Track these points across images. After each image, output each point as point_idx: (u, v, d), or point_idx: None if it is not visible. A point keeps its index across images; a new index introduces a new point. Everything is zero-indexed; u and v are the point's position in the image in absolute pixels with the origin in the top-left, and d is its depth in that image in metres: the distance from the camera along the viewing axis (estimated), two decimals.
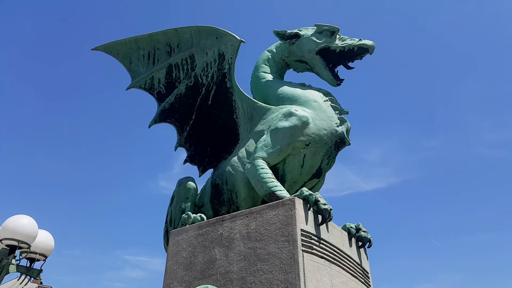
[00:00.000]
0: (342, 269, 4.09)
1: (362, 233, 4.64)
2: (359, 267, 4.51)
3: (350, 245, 4.48)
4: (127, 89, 6.19)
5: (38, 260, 11.52)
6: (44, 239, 11.63)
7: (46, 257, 11.83)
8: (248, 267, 3.70)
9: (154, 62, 6.17)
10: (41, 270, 11.80)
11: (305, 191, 3.98)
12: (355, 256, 4.49)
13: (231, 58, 5.58)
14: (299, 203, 3.80)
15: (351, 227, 4.60)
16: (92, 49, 6.44)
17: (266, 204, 4.02)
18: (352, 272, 4.30)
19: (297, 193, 4.01)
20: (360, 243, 4.66)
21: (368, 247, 4.80)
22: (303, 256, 3.49)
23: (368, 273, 4.72)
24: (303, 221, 3.73)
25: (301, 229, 3.63)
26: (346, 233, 4.49)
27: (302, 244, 3.57)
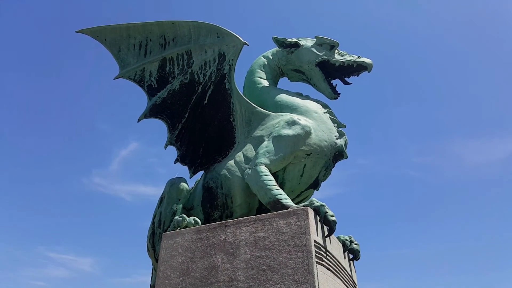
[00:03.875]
0: (341, 282, 4.13)
1: (354, 245, 4.72)
2: (351, 279, 4.58)
3: (344, 257, 4.55)
4: (115, 78, 5.81)
5: None
6: None
7: None
8: (256, 276, 3.59)
9: (146, 53, 5.85)
10: None
11: (316, 201, 3.97)
12: (347, 268, 4.56)
13: (232, 59, 5.46)
14: (311, 214, 3.78)
15: (346, 240, 4.67)
16: (76, 31, 5.98)
17: (275, 212, 3.94)
18: (347, 285, 4.36)
19: (306, 203, 3.99)
20: (351, 256, 4.74)
21: (357, 260, 4.90)
22: (316, 268, 3.46)
23: (356, 285, 4.82)
24: (315, 232, 3.71)
25: (314, 240, 3.61)
26: (341, 245, 4.55)
27: (315, 255, 3.54)
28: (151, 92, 5.75)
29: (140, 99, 5.97)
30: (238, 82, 5.60)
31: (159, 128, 5.94)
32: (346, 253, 4.62)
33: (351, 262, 4.80)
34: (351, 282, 4.51)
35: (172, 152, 5.82)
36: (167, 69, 5.75)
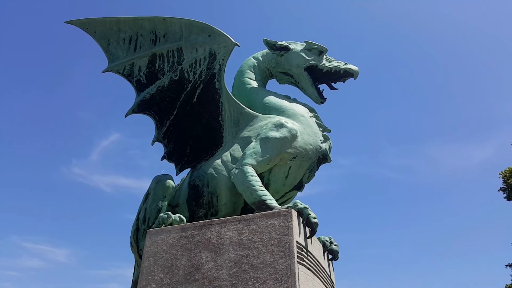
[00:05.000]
0: (321, 281, 4.28)
1: (334, 246, 4.89)
2: (329, 279, 4.75)
3: (324, 258, 4.70)
4: (103, 72, 5.78)
5: None
6: None
7: None
8: (239, 275, 3.70)
9: (135, 48, 5.84)
10: None
11: (299, 203, 4.10)
12: (327, 268, 4.72)
13: (222, 59, 5.51)
14: (295, 215, 3.90)
15: (326, 240, 4.82)
16: (65, 22, 5.92)
17: (260, 213, 4.05)
18: (326, 284, 4.52)
19: (290, 205, 4.11)
20: (330, 256, 4.91)
21: (336, 260, 5.06)
22: (298, 268, 3.59)
23: (334, 284, 4.99)
24: (297, 233, 3.84)
25: (296, 241, 3.74)
26: (322, 246, 4.70)
27: (297, 256, 3.67)
28: (139, 87, 5.75)
29: (124, 89, 5.96)
30: (228, 82, 5.68)
31: (142, 120, 5.92)
32: (325, 253, 4.78)
33: (330, 262, 4.97)
34: (329, 282, 4.67)
35: (156, 145, 5.82)
36: (157, 65, 5.75)
